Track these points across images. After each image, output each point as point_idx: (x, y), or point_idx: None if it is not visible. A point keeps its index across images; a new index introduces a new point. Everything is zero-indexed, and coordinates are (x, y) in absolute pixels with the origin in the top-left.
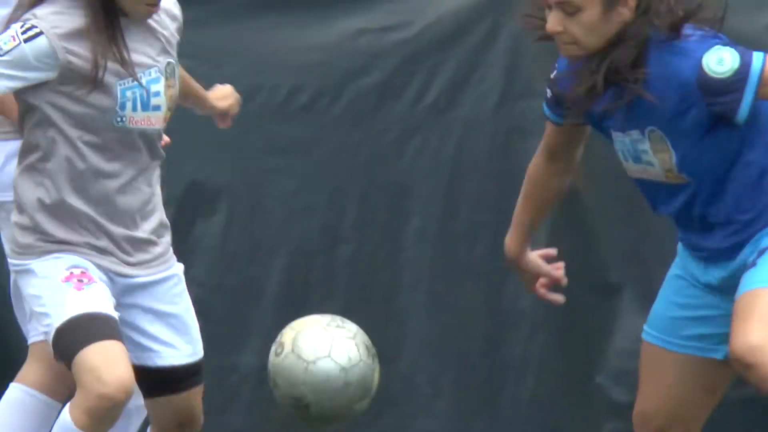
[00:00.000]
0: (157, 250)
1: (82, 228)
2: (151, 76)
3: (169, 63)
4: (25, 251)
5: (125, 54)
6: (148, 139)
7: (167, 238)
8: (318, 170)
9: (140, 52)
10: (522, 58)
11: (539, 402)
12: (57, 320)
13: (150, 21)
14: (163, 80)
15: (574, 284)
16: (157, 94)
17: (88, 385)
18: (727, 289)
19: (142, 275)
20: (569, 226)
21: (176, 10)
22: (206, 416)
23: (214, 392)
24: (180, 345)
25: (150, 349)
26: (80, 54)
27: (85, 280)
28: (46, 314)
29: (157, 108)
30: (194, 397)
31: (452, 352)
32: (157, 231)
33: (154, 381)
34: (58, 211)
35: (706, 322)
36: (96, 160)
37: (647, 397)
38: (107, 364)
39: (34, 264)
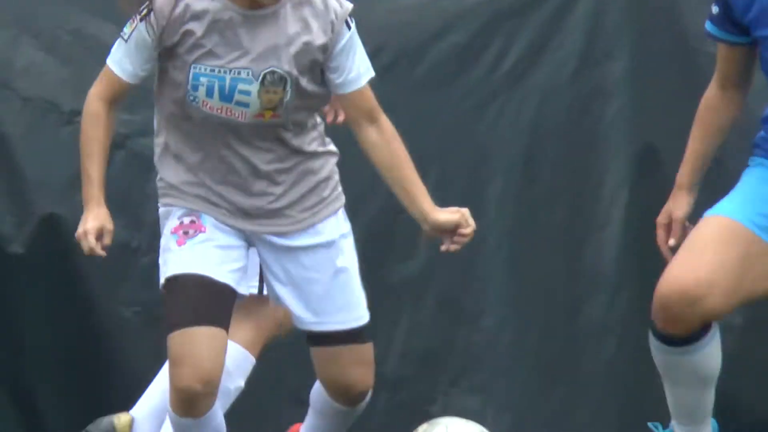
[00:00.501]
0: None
1: (195, 184)
2: (239, 75)
3: (273, 72)
4: (160, 191)
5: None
6: (235, 128)
7: (302, 214)
8: (399, 130)
9: (236, 47)
10: (602, 22)
11: (620, 365)
12: (162, 275)
13: (289, 26)
14: (256, 84)
15: (654, 246)
16: (246, 93)
17: (170, 377)
18: None
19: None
20: (651, 186)
21: (337, 26)
22: (290, 375)
23: (297, 353)
24: (305, 313)
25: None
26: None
27: (191, 231)
28: (161, 263)
29: (242, 104)
30: (345, 355)
31: (533, 314)
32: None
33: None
34: (177, 160)
35: None
36: (185, 134)
37: (697, 264)
38: (185, 357)
39: (161, 210)
